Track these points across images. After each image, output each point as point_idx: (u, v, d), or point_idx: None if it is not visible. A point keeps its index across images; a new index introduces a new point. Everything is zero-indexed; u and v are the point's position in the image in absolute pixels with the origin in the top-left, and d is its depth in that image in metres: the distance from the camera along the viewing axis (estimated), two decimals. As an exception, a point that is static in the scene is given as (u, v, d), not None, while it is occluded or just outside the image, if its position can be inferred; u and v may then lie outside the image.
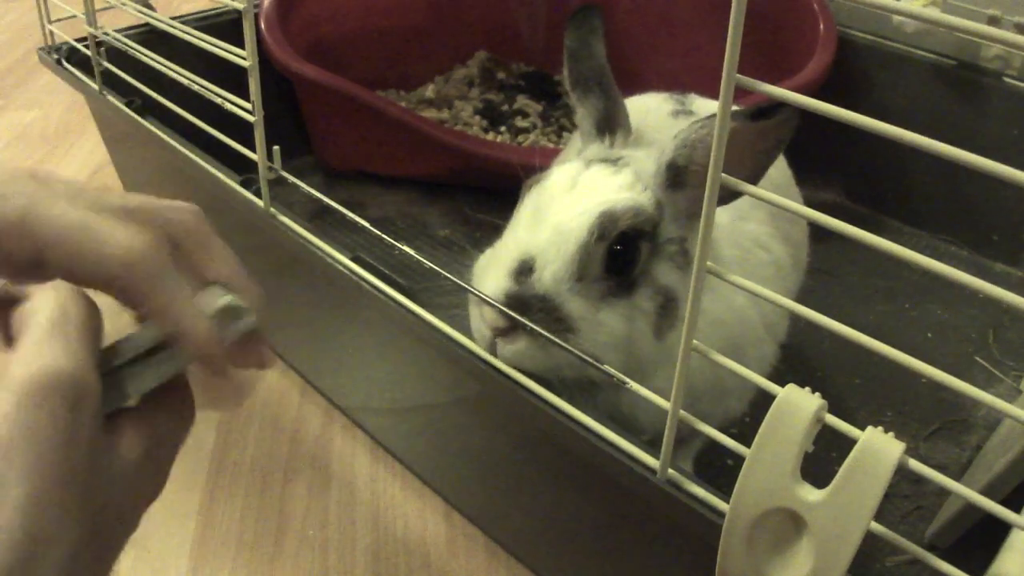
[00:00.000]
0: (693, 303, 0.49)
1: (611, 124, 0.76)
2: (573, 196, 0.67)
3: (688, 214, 0.69)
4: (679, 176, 0.67)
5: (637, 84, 1.00)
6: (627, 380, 0.60)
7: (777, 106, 0.60)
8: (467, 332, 0.70)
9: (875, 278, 1.27)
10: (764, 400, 0.47)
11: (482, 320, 0.67)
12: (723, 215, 0.76)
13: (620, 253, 0.65)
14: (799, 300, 0.46)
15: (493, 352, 0.67)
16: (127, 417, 0.42)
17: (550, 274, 0.65)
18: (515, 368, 0.66)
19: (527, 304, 0.64)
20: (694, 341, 0.50)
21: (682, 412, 0.54)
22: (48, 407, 0.35)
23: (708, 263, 0.48)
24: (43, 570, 0.34)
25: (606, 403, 0.69)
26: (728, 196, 0.65)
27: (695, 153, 0.66)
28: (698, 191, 0.65)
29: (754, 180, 0.62)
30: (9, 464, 0.34)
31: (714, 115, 0.61)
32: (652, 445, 0.59)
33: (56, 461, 0.35)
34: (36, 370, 0.35)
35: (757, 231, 0.80)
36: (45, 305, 0.39)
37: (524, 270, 0.65)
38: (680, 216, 0.69)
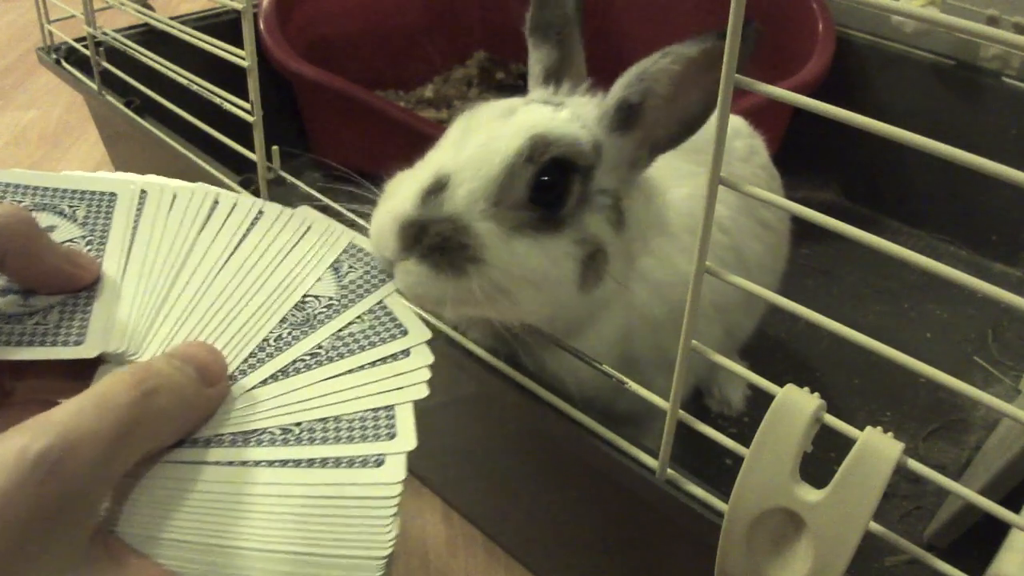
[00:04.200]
0: (692, 302, 0.49)
1: (560, 74, 0.72)
2: (507, 120, 0.62)
3: (631, 163, 0.65)
4: (630, 116, 0.64)
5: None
6: (626, 380, 0.60)
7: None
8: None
9: (874, 278, 1.27)
10: (763, 400, 0.47)
11: (378, 249, 0.59)
12: (682, 190, 0.74)
13: (548, 184, 0.60)
14: (798, 300, 0.46)
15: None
16: None
17: (464, 193, 0.58)
18: (410, 299, 0.59)
19: (425, 228, 0.57)
20: (693, 341, 0.50)
21: (681, 412, 0.54)
22: None
23: (708, 264, 0.48)
24: None
25: (531, 361, 0.67)
26: (678, 138, 0.64)
27: (655, 86, 0.62)
28: (647, 132, 0.64)
29: (712, 108, 0.57)
30: None
31: (675, 45, 0.60)
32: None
33: None
34: None
35: (720, 212, 0.76)
36: None
37: (436, 189, 0.59)
38: (620, 165, 0.65)
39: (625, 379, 0.60)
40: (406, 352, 0.54)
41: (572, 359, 0.61)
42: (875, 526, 0.46)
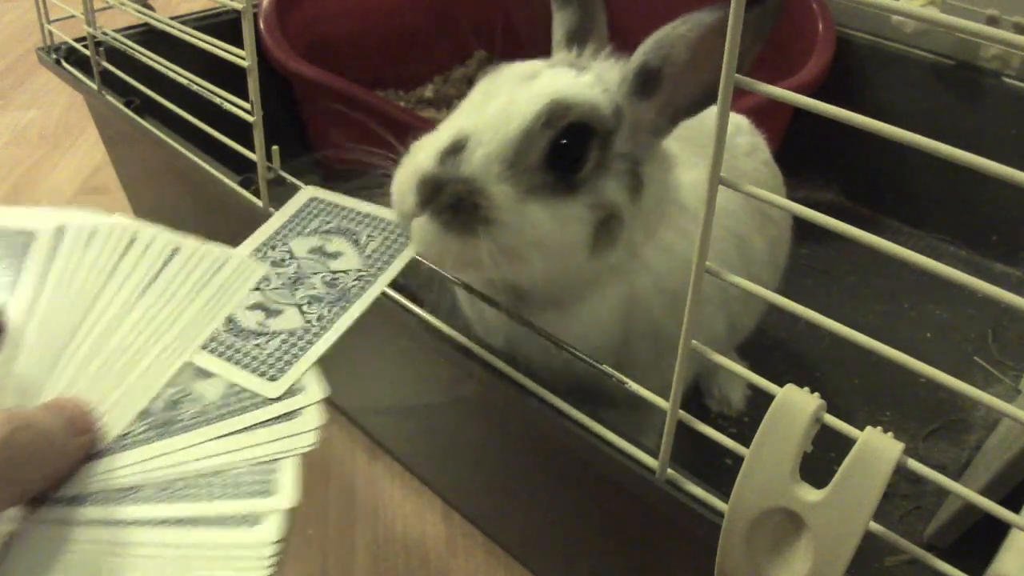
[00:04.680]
0: (692, 301, 0.49)
1: (583, 37, 0.72)
2: (529, 84, 0.63)
3: (652, 128, 0.66)
4: (649, 81, 0.64)
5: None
6: (626, 380, 0.60)
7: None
8: (467, 332, 0.70)
9: (874, 278, 1.27)
10: (763, 399, 0.47)
11: (398, 205, 0.62)
12: (692, 173, 0.74)
13: (565, 148, 0.60)
14: (798, 300, 0.46)
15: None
16: None
17: (481, 154, 0.59)
18: (424, 256, 0.60)
19: (441, 185, 0.59)
20: (693, 341, 0.50)
21: (681, 412, 0.54)
22: None
23: (708, 264, 0.48)
24: None
25: (542, 325, 0.67)
26: (699, 105, 0.64)
27: (673, 52, 0.62)
28: (668, 97, 0.64)
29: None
30: None
31: (695, 11, 0.60)
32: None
33: None
34: None
35: (725, 203, 0.76)
36: None
37: (455, 150, 0.60)
38: (641, 131, 0.65)
39: (625, 379, 0.60)
40: (297, 412, 0.52)
41: (580, 327, 0.61)
42: (875, 526, 0.46)
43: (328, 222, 0.67)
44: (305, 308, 0.59)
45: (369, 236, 0.63)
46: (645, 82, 0.64)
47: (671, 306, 0.69)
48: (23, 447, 0.44)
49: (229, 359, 0.55)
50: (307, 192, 0.67)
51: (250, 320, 0.57)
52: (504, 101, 0.61)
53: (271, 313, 0.58)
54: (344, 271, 0.60)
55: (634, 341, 0.71)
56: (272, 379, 0.53)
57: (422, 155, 0.61)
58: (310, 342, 0.55)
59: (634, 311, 0.70)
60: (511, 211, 0.59)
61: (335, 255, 0.63)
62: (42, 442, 0.45)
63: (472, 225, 0.58)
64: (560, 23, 0.73)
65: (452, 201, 0.58)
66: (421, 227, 0.59)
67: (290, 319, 0.58)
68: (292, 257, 0.63)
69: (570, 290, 0.67)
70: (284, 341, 0.56)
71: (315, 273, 0.62)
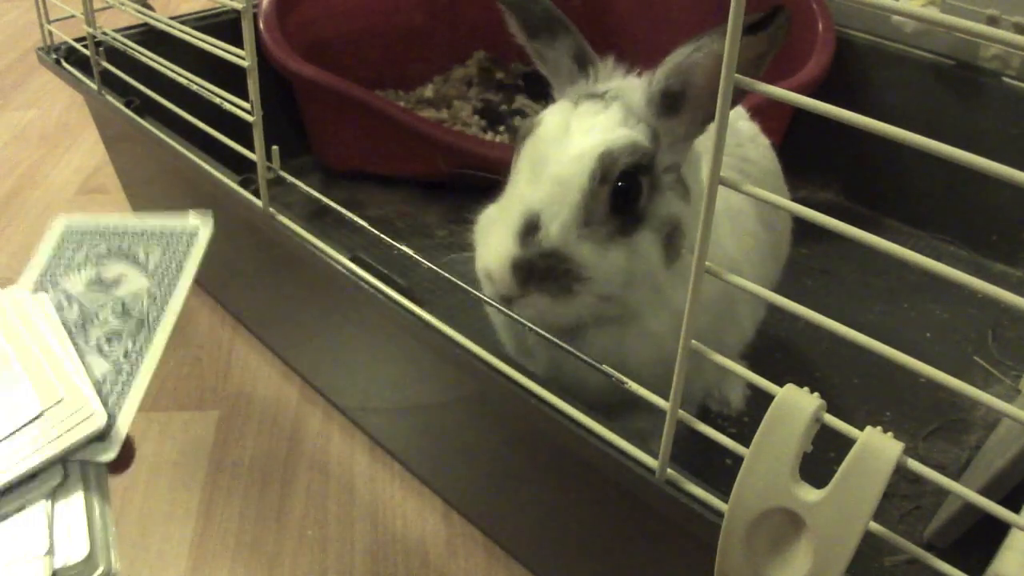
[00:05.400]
0: (692, 301, 0.49)
1: (586, 58, 0.75)
2: (568, 141, 0.67)
3: (685, 137, 0.69)
4: (673, 102, 0.68)
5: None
6: (626, 380, 0.60)
7: (772, 14, 0.61)
8: (466, 331, 0.70)
9: (874, 278, 1.27)
10: (763, 399, 0.47)
11: (493, 288, 0.67)
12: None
13: (623, 191, 0.66)
14: (798, 300, 0.46)
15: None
16: None
17: (557, 227, 0.65)
18: (538, 325, 0.66)
19: (533, 265, 0.65)
20: (693, 341, 0.50)
21: (681, 412, 0.54)
22: None
23: (708, 263, 0.48)
24: None
25: (604, 341, 0.71)
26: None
27: (692, 78, 0.66)
28: (694, 114, 0.68)
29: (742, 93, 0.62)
30: None
31: (710, 31, 0.63)
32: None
33: None
34: None
35: (734, 201, 0.80)
36: None
37: (530, 228, 0.65)
38: (676, 142, 0.69)
39: (624, 379, 0.60)
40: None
41: (633, 340, 0.66)
42: (875, 526, 0.46)
43: (96, 246, 0.61)
44: (106, 349, 0.54)
45: (146, 251, 0.58)
46: (670, 104, 0.68)
47: (712, 306, 0.72)
48: None
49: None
50: (60, 222, 0.61)
51: None
52: (555, 169, 0.66)
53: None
54: (133, 295, 0.55)
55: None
56: (100, 439, 0.49)
57: (500, 239, 0.66)
58: (126, 384, 0.51)
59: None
60: (599, 264, 0.66)
61: (116, 281, 0.58)
62: None
63: (571, 287, 0.65)
64: (560, 56, 0.75)
65: (547, 275, 0.65)
66: (529, 305, 0.66)
67: (94, 367, 0.53)
68: (70, 297, 0.58)
69: (653, 302, 0.70)
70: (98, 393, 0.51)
71: (101, 307, 0.57)
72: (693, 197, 0.71)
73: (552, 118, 0.69)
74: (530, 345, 0.76)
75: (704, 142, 0.75)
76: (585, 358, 0.63)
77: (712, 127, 0.44)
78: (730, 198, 0.77)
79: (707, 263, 0.47)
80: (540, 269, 0.65)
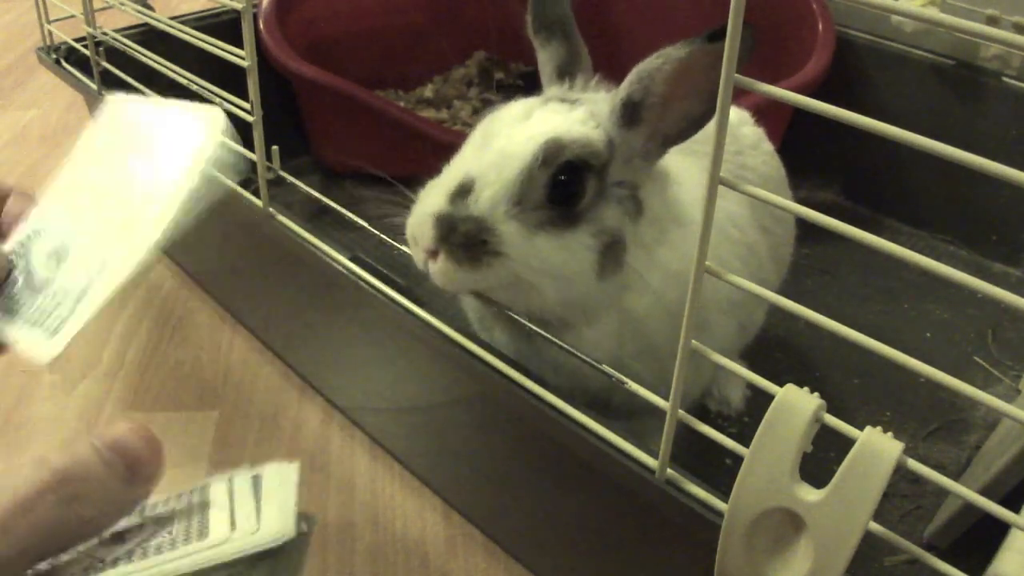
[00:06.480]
0: (692, 301, 0.49)
1: (572, 69, 0.77)
2: (525, 124, 0.67)
3: (643, 154, 0.69)
4: (635, 113, 0.67)
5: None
6: (625, 380, 0.60)
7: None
8: (466, 331, 0.70)
9: (874, 278, 1.27)
10: (763, 399, 0.47)
11: (415, 243, 0.67)
12: (699, 190, 0.76)
13: (564, 184, 0.65)
14: (798, 300, 0.46)
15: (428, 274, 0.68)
16: None
17: (487, 196, 0.65)
18: (442, 287, 0.66)
19: (455, 225, 0.64)
20: (693, 341, 0.50)
21: (681, 412, 0.54)
22: None
23: (708, 263, 0.48)
24: None
25: (545, 351, 0.70)
26: (684, 134, 0.67)
27: (652, 85, 0.65)
28: (653, 127, 0.68)
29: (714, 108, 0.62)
30: None
31: (669, 46, 0.64)
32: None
33: None
34: None
35: (732, 210, 0.79)
36: None
37: (463, 192, 0.65)
38: (634, 158, 0.69)
39: (624, 379, 0.61)
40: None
41: (584, 347, 0.64)
42: (875, 526, 0.46)
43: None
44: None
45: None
46: (630, 114, 0.67)
47: (668, 321, 0.70)
48: (77, 520, 0.40)
49: (17, 315, 0.53)
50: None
51: (43, 270, 0.55)
52: (503, 143, 0.66)
53: (63, 259, 0.56)
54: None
55: (634, 359, 0.71)
56: (54, 332, 0.50)
57: (433, 198, 0.66)
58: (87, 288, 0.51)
59: (631, 329, 0.72)
60: (518, 245, 0.64)
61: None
62: (99, 506, 0.41)
63: (483, 258, 0.64)
64: (547, 59, 0.78)
65: (464, 240, 0.64)
66: (438, 267, 0.65)
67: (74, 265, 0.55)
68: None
69: (581, 313, 0.70)
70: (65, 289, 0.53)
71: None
72: (645, 219, 0.70)
73: (516, 106, 0.70)
74: (496, 339, 0.76)
75: (682, 162, 0.75)
76: (586, 358, 0.63)
77: (711, 127, 0.44)
78: (722, 208, 0.76)
79: (707, 263, 0.47)
80: (459, 232, 0.64)
